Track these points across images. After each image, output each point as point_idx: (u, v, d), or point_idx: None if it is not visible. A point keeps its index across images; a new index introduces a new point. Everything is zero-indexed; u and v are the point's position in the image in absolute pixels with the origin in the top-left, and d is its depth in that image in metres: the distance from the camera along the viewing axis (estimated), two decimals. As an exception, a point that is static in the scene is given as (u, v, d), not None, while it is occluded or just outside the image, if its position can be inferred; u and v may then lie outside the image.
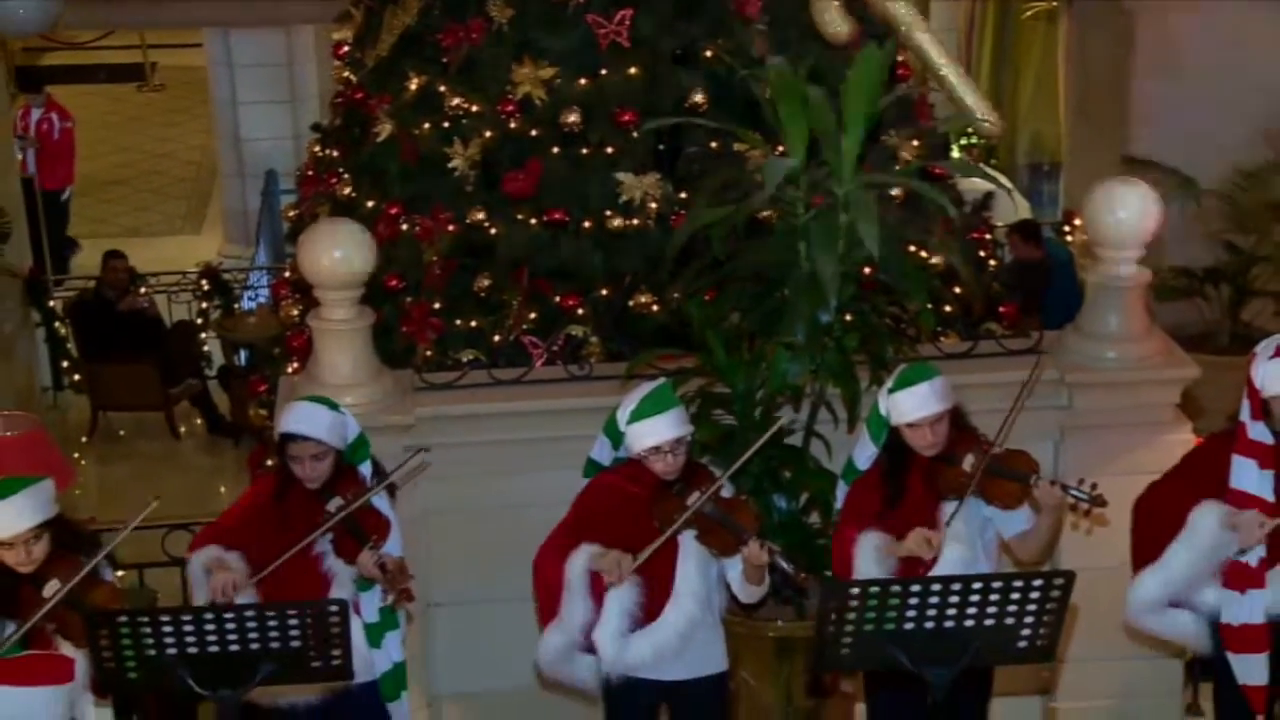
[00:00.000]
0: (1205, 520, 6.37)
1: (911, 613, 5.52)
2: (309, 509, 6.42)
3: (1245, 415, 6.38)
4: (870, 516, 6.39)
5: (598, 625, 6.40)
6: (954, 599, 5.52)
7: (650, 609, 6.41)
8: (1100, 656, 7.74)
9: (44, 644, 5.98)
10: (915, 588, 5.55)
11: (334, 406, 6.53)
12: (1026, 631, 5.62)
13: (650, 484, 6.39)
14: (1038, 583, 5.56)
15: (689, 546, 6.40)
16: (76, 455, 13.53)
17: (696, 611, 6.44)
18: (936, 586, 5.54)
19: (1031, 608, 5.57)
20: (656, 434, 6.31)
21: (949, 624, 5.53)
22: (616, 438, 6.49)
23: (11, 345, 14.44)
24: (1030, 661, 5.84)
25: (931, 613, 5.52)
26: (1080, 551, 7.31)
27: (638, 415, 6.33)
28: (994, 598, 5.54)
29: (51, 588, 5.97)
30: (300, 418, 6.44)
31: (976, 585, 5.54)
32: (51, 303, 15.18)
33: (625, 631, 6.39)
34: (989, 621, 5.56)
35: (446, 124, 8.47)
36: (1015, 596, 5.55)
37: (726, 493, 6.42)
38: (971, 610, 5.53)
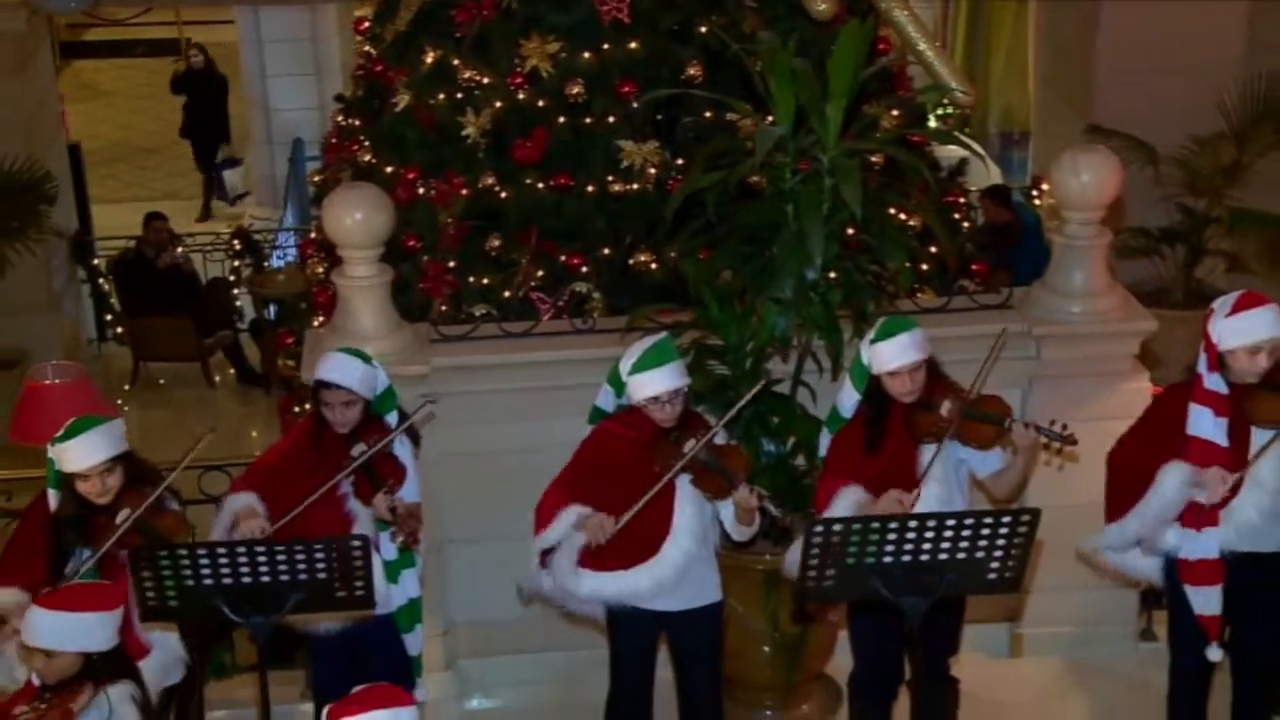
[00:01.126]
0: (1171, 479, 6.37)
1: (890, 547, 5.52)
2: (338, 453, 6.43)
3: (1202, 367, 6.38)
4: (853, 463, 6.37)
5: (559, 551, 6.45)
6: (929, 535, 5.53)
7: (650, 546, 6.40)
8: (1062, 586, 7.76)
9: (116, 569, 6.04)
10: (894, 524, 5.54)
11: (366, 359, 6.52)
12: (995, 564, 5.62)
13: (649, 431, 6.38)
14: (1006, 519, 5.57)
15: (685, 489, 6.39)
16: (120, 402, 13.53)
17: (693, 548, 6.44)
18: (914, 523, 5.54)
19: (1000, 542, 5.57)
20: (656, 385, 6.30)
21: (925, 557, 5.54)
22: (619, 387, 6.48)
23: (59, 301, 14.46)
24: (998, 592, 5.83)
25: (909, 547, 5.52)
26: (1044, 490, 7.30)
27: (639, 367, 6.32)
28: (966, 533, 5.55)
29: (123, 516, 6.10)
30: (334, 367, 6.43)
31: (950, 522, 5.55)
32: (95, 261, 15.17)
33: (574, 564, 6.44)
34: (961, 555, 5.57)
35: (460, 95, 8.46)
36: (985, 532, 5.56)
37: (720, 439, 6.40)
38: (945, 545, 5.54)
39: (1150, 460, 6.45)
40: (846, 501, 6.24)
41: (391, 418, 6.57)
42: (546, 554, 6.50)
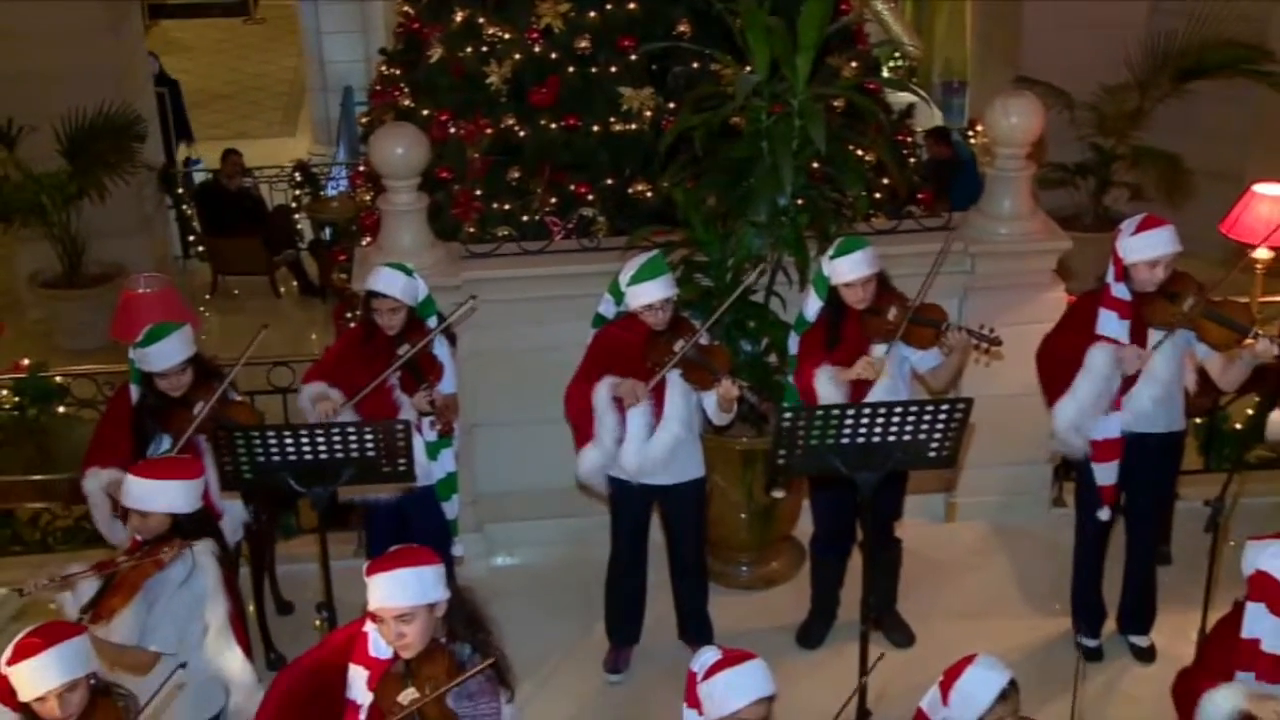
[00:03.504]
0: (1098, 357, 6.34)
1: (847, 430, 5.52)
2: (387, 351, 6.41)
3: (1110, 277, 6.36)
4: (818, 356, 6.37)
5: (626, 441, 6.41)
6: (879, 420, 5.53)
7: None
8: (989, 463, 7.79)
9: (192, 449, 6.07)
10: (850, 411, 5.54)
11: (408, 272, 6.48)
12: (935, 444, 5.63)
13: (644, 333, 6.36)
14: (944, 407, 5.57)
15: (675, 382, 6.38)
16: (201, 309, 13.50)
17: (681, 432, 6.44)
18: (867, 410, 5.54)
19: (939, 426, 5.58)
20: (651, 294, 6.28)
21: (875, 439, 5.54)
22: (618, 296, 6.45)
23: (150, 224, 14.38)
24: (936, 467, 5.84)
25: (862, 430, 5.53)
26: (975, 383, 7.31)
27: (636, 279, 6.30)
28: (910, 419, 5.55)
29: (199, 408, 6.12)
30: (381, 279, 6.40)
31: (897, 409, 5.55)
32: (180, 190, 15.11)
33: (645, 441, 6.41)
34: (906, 437, 5.57)
35: (485, 48, 8.39)
36: (926, 418, 5.56)
37: (705, 340, 6.39)
38: (893, 428, 5.54)
39: (1069, 354, 6.44)
40: (825, 376, 6.29)
41: (431, 321, 6.55)
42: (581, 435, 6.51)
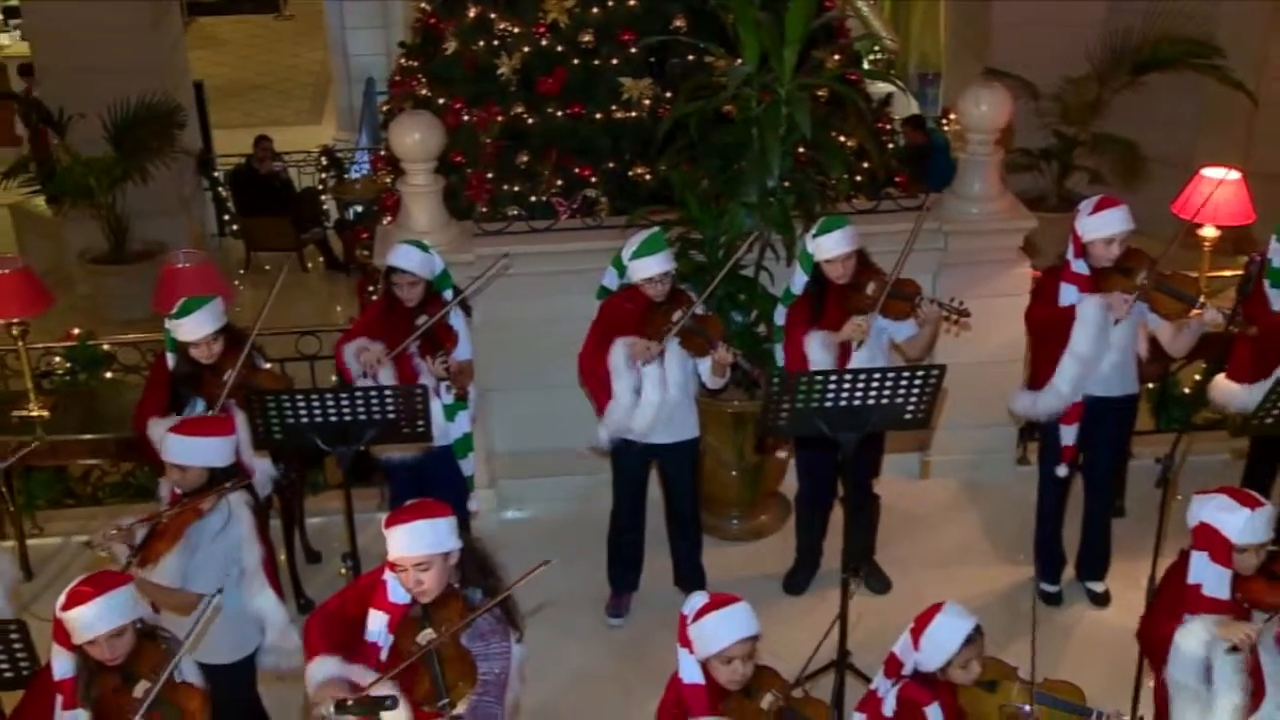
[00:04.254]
0: (1090, 306, 6.30)
1: (830, 394, 5.51)
2: (407, 322, 6.38)
3: (1070, 254, 6.35)
4: (804, 328, 6.36)
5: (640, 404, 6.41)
6: (860, 385, 5.51)
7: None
8: (960, 424, 7.81)
9: (226, 414, 6.04)
10: (833, 377, 5.53)
11: (425, 248, 6.45)
12: (911, 407, 5.62)
13: (644, 304, 6.35)
14: (919, 373, 5.55)
15: (673, 349, 6.37)
16: (235, 283, 13.48)
17: (678, 395, 6.43)
18: (849, 376, 5.52)
19: (915, 391, 5.56)
20: (651, 268, 6.26)
21: (856, 402, 5.52)
22: (621, 270, 6.43)
23: (189, 204, 14.37)
24: (912, 428, 5.83)
25: (845, 394, 5.51)
26: (948, 351, 7.30)
27: (637, 254, 6.28)
28: (888, 383, 5.53)
29: (229, 374, 6.09)
30: (401, 255, 6.37)
31: (876, 375, 5.53)
32: (216, 173, 15.08)
33: (657, 402, 6.40)
34: (884, 400, 5.55)
35: (496, 42, 8.34)
36: (904, 383, 5.55)
37: (700, 310, 6.38)
38: (872, 392, 5.52)
39: (1039, 328, 6.49)
40: (816, 342, 6.29)
41: (448, 294, 6.52)
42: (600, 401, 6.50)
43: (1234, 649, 4.65)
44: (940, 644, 4.43)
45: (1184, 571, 4.82)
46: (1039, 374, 6.54)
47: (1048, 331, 6.45)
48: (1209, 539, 4.74)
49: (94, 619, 4.33)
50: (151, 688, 4.33)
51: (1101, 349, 6.35)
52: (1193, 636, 4.72)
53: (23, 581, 7.26)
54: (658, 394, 6.38)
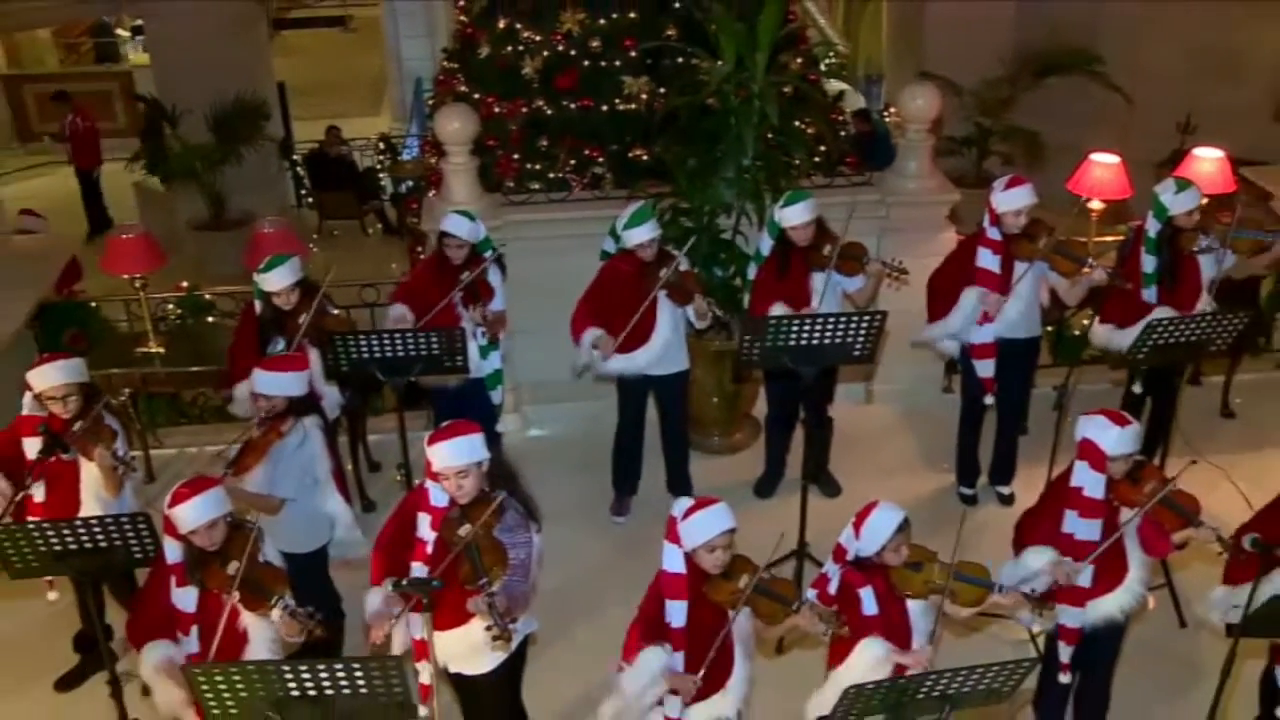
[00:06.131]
0: (968, 297, 6.37)
1: (794, 334, 5.49)
2: (453, 277, 6.29)
3: (986, 223, 6.29)
4: (770, 284, 6.29)
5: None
6: (818, 327, 5.51)
7: (644, 336, 6.33)
8: (898, 360, 7.71)
9: (301, 350, 5.97)
10: (795, 321, 5.51)
11: (472, 217, 6.36)
12: (858, 346, 5.61)
13: (637, 264, 6.26)
14: (866, 317, 5.53)
15: (663, 300, 6.30)
16: (310, 245, 13.36)
17: (670, 336, 6.38)
18: (808, 320, 5.51)
19: (863, 332, 5.56)
20: (640, 236, 6.18)
21: (814, 341, 5.50)
22: (616, 237, 6.34)
23: (274, 182, 14.40)
24: (860, 363, 5.80)
25: (805, 334, 5.49)
26: (889, 301, 7.20)
27: (628, 224, 6.20)
28: (840, 326, 5.52)
29: (303, 317, 6.03)
30: (453, 222, 6.28)
31: (830, 319, 5.51)
32: (294, 156, 15.03)
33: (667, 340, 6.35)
34: (838, 339, 5.54)
35: (521, 47, 8.20)
36: (853, 326, 5.53)
37: (684, 267, 6.30)
38: (828, 333, 5.51)
39: (954, 279, 6.43)
40: (780, 311, 6.19)
41: (487, 254, 6.44)
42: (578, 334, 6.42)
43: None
44: (876, 531, 4.39)
45: (1068, 477, 4.81)
46: (936, 311, 6.53)
47: (935, 296, 6.48)
48: (1089, 451, 4.71)
49: (192, 514, 4.34)
50: (240, 566, 4.34)
51: (969, 325, 6.40)
52: (1022, 564, 4.74)
53: (146, 483, 7.28)
54: (653, 347, 6.32)
